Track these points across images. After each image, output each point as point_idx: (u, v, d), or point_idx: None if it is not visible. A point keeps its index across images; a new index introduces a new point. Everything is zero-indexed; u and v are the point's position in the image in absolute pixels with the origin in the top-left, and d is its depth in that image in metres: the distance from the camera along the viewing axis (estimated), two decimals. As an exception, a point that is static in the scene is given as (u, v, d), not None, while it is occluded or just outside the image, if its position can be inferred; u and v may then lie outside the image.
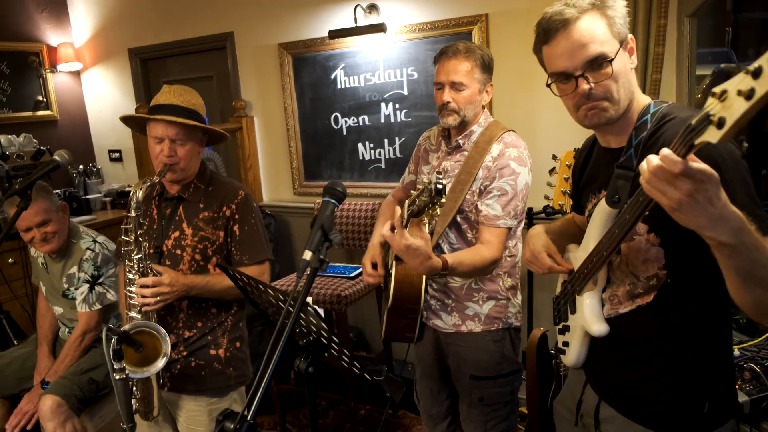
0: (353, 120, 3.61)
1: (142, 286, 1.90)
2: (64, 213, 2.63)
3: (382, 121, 3.52)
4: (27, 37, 4.42)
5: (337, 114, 3.65)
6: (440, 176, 1.63)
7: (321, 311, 2.89)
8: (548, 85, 1.32)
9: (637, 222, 1.14)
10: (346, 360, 1.53)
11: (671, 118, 1.25)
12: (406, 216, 1.84)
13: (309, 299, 1.41)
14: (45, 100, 4.52)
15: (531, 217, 2.79)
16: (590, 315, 1.38)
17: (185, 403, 2.07)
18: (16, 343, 3.22)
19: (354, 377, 3.04)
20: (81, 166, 4.62)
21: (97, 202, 4.50)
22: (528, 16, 3.01)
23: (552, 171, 2.46)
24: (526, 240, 1.56)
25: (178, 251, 2.01)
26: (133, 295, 1.92)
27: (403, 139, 3.48)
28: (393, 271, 1.96)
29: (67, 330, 2.82)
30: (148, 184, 1.92)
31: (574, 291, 1.45)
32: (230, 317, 2.10)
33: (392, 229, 1.69)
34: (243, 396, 2.13)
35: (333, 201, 1.43)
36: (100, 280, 2.65)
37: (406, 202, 1.91)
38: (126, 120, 2.05)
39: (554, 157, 2.34)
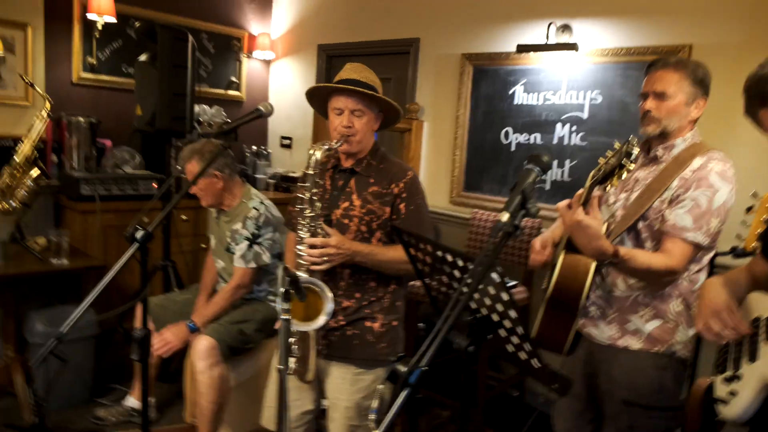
0: (524, 137, 3.55)
1: (310, 246, 1.97)
2: (215, 178, 2.79)
3: (555, 141, 3.43)
4: (234, 23, 4.88)
5: (509, 129, 3.62)
6: (633, 142, 1.54)
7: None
8: None
9: None
10: (516, 342, 1.46)
11: None
12: (587, 186, 1.74)
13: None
14: (237, 81, 4.95)
15: (713, 261, 2.55)
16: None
17: (334, 370, 2.10)
18: (176, 289, 3.49)
19: (487, 394, 2.93)
20: (254, 147, 4.98)
21: (262, 182, 4.80)
22: (736, 51, 2.81)
23: (749, 209, 2.24)
24: (701, 290, 1.41)
25: (346, 221, 2.06)
26: (302, 253, 2.00)
27: (575, 162, 3.36)
28: (560, 260, 1.86)
29: (224, 284, 3.01)
30: (326, 147, 2.00)
31: (757, 339, 1.28)
32: (388, 294, 2.12)
33: (569, 206, 1.65)
34: None
35: (537, 169, 1.39)
36: (259, 239, 2.80)
37: (591, 173, 1.80)
38: (311, 96, 2.13)
39: (755, 195, 2.13)
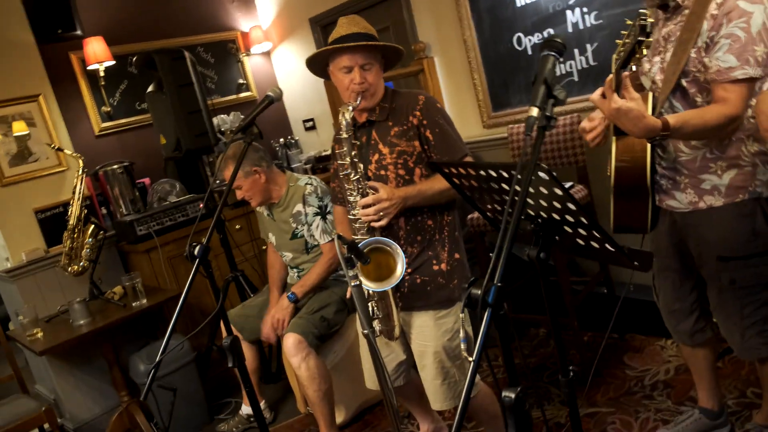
0: (537, 36, 3.40)
1: (364, 207, 1.97)
2: (257, 175, 2.81)
3: (570, 30, 3.27)
4: (223, 27, 4.88)
5: (520, 34, 3.47)
6: (644, 14, 1.44)
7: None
8: None
9: None
10: (584, 233, 1.42)
11: None
12: (614, 71, 1.64)
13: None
14: (245, 81, 4.96)
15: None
16: None
17: (414, 319, 2.11)
18: (251, 295, 3.59)
19: (575, 298, 2.89)
20: (282, 140, 5.00)
21: (299, 170, 4.83)
22: None
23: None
24: (757, 107, 1.31)
25: (382, 172, 2.05)
26: (359, 216, 2.00)
27: (596, 44, 3.19)
28: (613, 147, 1.78)
29: (296, 274, 3.06)
30: (350, 107, 1.97)
31: None
32: (446, 227, 2.10)
33: (603, 96, 1.58)
34: None
35: (553, 53, 1.32)
36: (328, 209, 2.83)
37: (614, 57, 1.70)
38: (311, 63, 2.08)
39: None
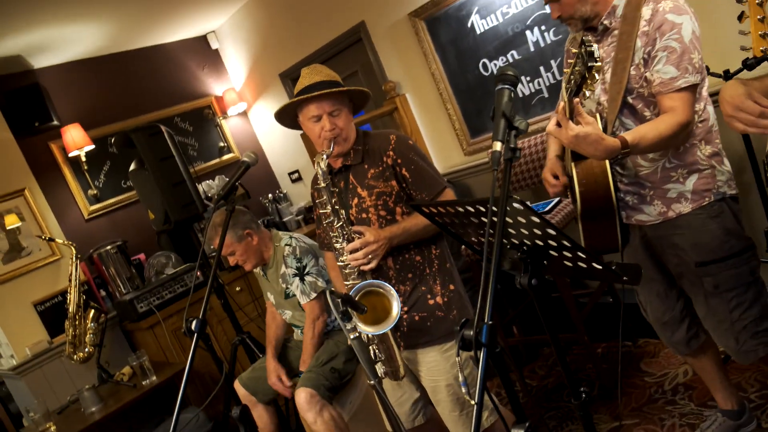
0: (502, 60, 3.47)
1: (352, 251, 1.97)
2: (250, 237, 2.81)
3: (532, 49, 3.33)
4: (198, 95, 4.96)
5: (485, 60, 3.53)
6: (588, 41, 1.46)
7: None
8: None
9: None
10: (569, 255, 1.42)
11: None
12: (566, 100, 1.65)
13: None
14: (226, 144, 5.01)
15: (729, 79, 2.42)
16: None
17: (421, 356, 2.10)
18: (261, 356, 3.56)
19: (581, 313, 2.87)
20: (270, 195, 5.03)
21: (291, 222, 4.85)
22: None
23: (741, 17, 2.11)
24: (720, 95, 1.33)
25: (364, 215, 2.05)
26: (348, 262, 2.00)
27: (559, 59, 3.25)
28: (574, 174, 1.80)
29: (299, 331, 3.05)
30: (324, 156, 1.98)
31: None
32: (435, 261, 2.09)
33: (558, 125, 1.59)
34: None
35: (507, 86, 1.35)
36: (306, 270, 2.83)
37: (563, 84, 1.72)
38: (281, 117, 2.10)
39: (739, 0, 2.01)
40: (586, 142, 1.56)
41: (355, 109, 2.15)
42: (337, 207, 1.99)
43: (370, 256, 1.95)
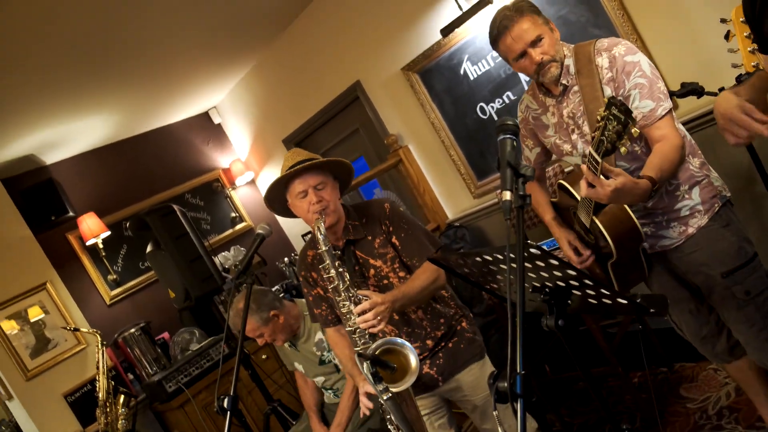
0: (499, 102, 3.53)
1: (361, 314, 1.96)
2: (276, 318, 2.77)
3: (526, 88, 3.38)
4: (205, 169, 5.07)
5: (482, 104, 3.61)
6: (617, 100, 1.47)
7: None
8: None
9: None
10: (592, 293, 1.42)
11: None
12: (599, 160, 1.61)
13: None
14: (237, 214, 5.09)
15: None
16: None
17: (464, 378, 2.16)
18: (293, 423, 3.52)
19: (612, 344, 2.83)
20: (286, 259, 5.05)
21: (310, 283, 4.86)
22: None
23: (728, 36, 2.16)
24: (714, 109, 1.37)
25: (385, 281, 2.09)
26: (358, 326, 1.98)
27: (555, 94, 3.31)
28: (600, 226, 1.82)
29: (332, 394, 3.01)
30: (321, 220, 1.99)
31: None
32: (450, 301, 2.20)
33: (590, 185, 1.61)
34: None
35: (509, 136, 1.38)
36: None
37: (589, 150, 1.64)
38: (270, 201, 2.13)
39: (723, 21, 2.06)
40: (625, 192, 1.60)
41: (342, 187, 2.18)
42: (341, 270, 1.99)
43: (379, 317, 1.94)
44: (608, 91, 1.82)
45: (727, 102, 1.33)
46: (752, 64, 2.08)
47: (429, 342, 2.11)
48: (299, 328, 2.90)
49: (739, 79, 2.19)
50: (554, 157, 2.19)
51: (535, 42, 1.84)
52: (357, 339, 2.01)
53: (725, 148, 2.57)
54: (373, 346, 1.84)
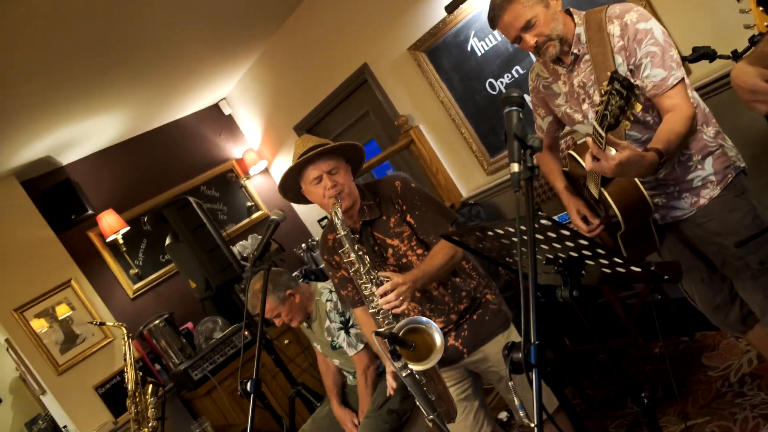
0: (508, 77, 3.50)
1: (383, 295, 1.97)
2: (292, 297, 2.82)
3: (535, 59, 3.35)
4: (219, 161, 5.11)
5: (491, 80, 3.58)
6: (619, 75, 1.45)
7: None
8: None
9: None
10: (606, 262, 1.42)
11: None
12: (603, 134, 1.60)
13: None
14: (253, 203, 5.13)
15: (737, 59, 2.41)
16: None
17: (490, 349, 2.15)
18: (318, 404, 3.58)
19: (631, 315, 2.82)
20: (303, 245, 5.09)
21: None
22: None
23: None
24: (733, 82, 1.34)
25: (404, 260, 2.10)
26: (381, 307, 2.00)
27: (565, 66, 3.27)
28: (608, 198, 1.81)
29: (350, 377, 3.06)
30: (337, 205, 2.00)
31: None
32: (472, 272, 2.18)
33: (595, 159, 1.60)
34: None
35: (514, 108, 1.38)
36: (350, 323, 2.84)
37: (593, 122, 1.63)
38: (284, 190, 2.14)
39: (736, -15, 2.02)
40: (629, 165, 1.58)
41: (354, 169, 2.18)
42: (361, 253, 2.00)
43: (401, 298, 1.95)
44: (619, 60, 1.79)
45: (745, 74, 1.31)
46: (765, 23, 2.04)
47: (453, 316, 2.12)
48: (312, 310, 2.94)
49: (752, 41, 2.15)
50: (567, 128, 2.17)
51: (527, 27, 1.81)
52: (381, 320, 2.02)
53: (741, 113, 2.52)
54: (398, 325, 1.86)
